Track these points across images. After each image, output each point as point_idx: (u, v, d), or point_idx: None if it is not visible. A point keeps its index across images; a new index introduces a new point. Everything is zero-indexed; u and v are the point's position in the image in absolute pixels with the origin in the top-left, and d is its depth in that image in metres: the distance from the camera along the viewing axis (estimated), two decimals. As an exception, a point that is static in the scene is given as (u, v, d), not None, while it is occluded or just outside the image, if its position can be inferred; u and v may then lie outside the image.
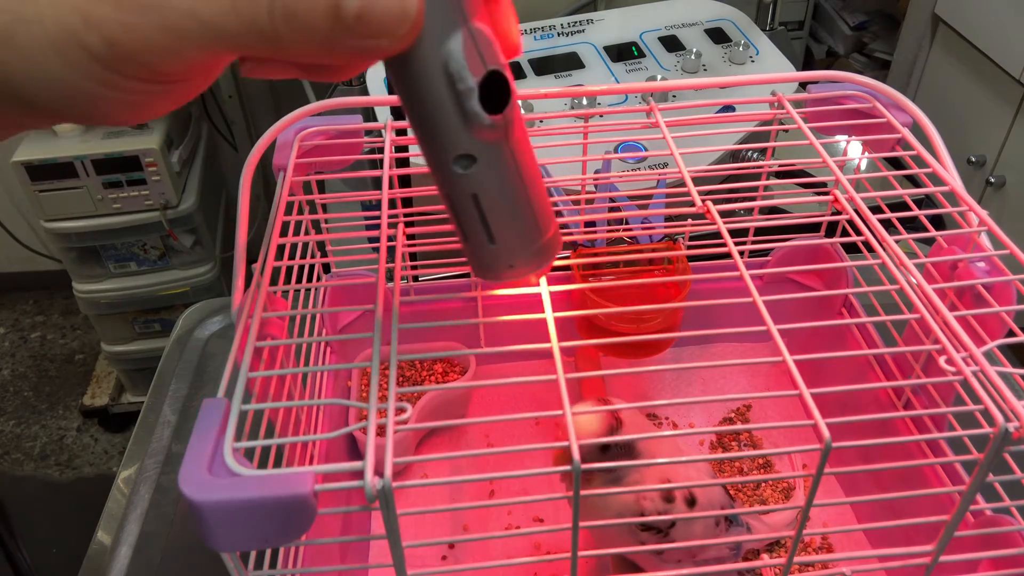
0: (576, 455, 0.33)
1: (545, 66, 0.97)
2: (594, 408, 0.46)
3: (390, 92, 0.72)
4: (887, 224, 0.47)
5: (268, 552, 0.41)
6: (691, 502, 0.49)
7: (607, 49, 1.00)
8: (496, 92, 0.27)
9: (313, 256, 0.53)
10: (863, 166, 0.61)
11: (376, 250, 0.45)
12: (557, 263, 0.65)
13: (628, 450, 0.48)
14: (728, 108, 0.87)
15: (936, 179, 0.49)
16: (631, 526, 0.47)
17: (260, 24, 0.23)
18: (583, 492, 0.35)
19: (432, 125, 0.27)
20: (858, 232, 0.47)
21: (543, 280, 0.42)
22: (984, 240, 0.47)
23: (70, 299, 1.89)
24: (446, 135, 0.28)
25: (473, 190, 0.29)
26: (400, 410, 0.35)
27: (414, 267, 0.65)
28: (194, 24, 0.23)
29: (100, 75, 0.24)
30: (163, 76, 0.25)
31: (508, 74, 0.27)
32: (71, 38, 0.23)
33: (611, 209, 0.61)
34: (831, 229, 0.60)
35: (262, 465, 0.38)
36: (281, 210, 0.48)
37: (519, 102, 0.29)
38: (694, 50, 0.98)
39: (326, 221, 0.56)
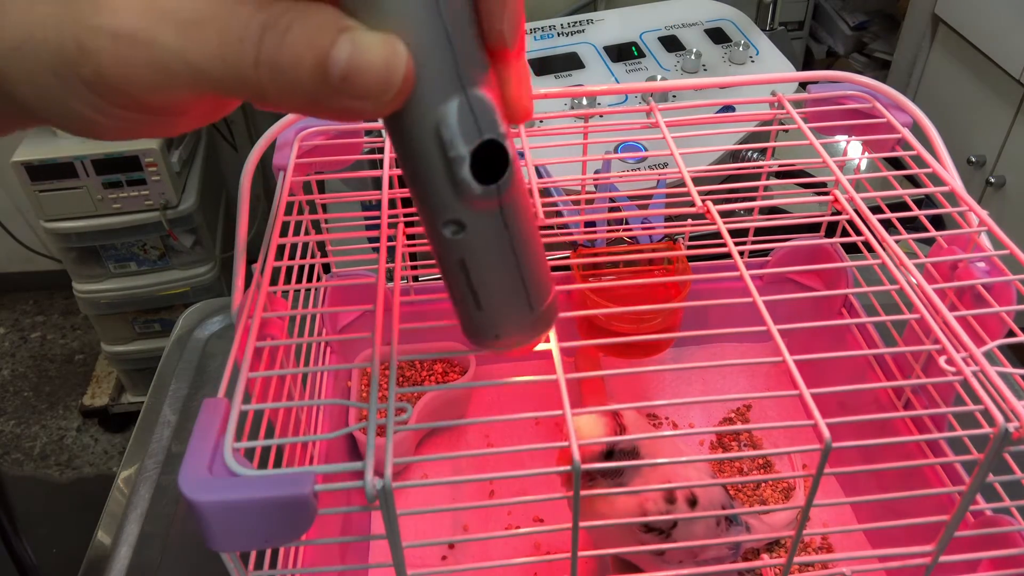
0: (576, 455, 0.33)
1: (545, 66, 0.97)
2: (596, 409, 0.46)
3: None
4: (887, 224, 0.47)
5: (268, 552, 0.41)
6: (692, 502, 0.49)
7: (607, 49, 1.00)
8: (492, 161, 0.26)
9: (313, 256, 0.53)
10: (863, 166, 0.61)
11: (376, 250, 0.45)
12: (557, 263, 0.65)
13: (632, 455, 0.48)
14: (728, 108, 0.87)
15: (936, 179, 0.49)
16: (633, 528, 0.47)
17: (245, 75, 0.23)
18: (583, 492, 0.35)
19: (422, 186, 0.27)
20: (858, 232, 0.47)
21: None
22: (984, 240, 0.47)
23: (70, 299, 1.89)
24: (435, 198, 0.27)
25: (461, 256, 0.28)
26: (400, 410, 0.35)
27: (414, 267, 0.65)
28: (182, 66, 0.23)
29: (93, 102, 0.24)
30: (151, 110, 0.25)
31: (508, 143, 0.26)
32: (67, 64, 0.24)
33: (611, 209, 0.61)
34: (831, 229, 0.60)
35: (262, 465, 0.38)
36: (281, 210, 0.48)
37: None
38: (694, 50, 0.98)
39: (326, 221, 0.56)
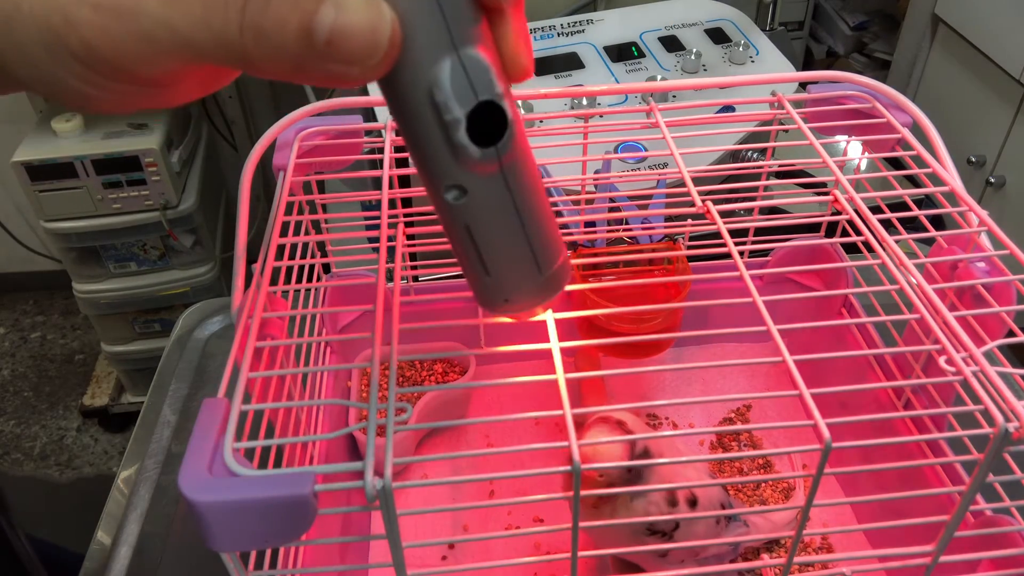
0: (576, 455, 0.33)
1: (545, 66, 0.97)
2: (596, 408, 0.46)
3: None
4: (887, 224, 0.47)
5: (268, 552, 0.41)
6: (692, 502, 0.49)
7: (607, 49, 1.00)
8: (490, 123, 0.25)
9: (313, 256, 0.53)
10: (863, 166, 0.61)
11: (376, 250, 0.45)
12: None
13: (645, 457, 0.48)
14: (728, 108, 0.87)
15: (936, 179, 0.49)
16: (636, 530, 0.48)
17: (230, 40, 0.23)
18: (583, 492, 0.35)
19: (421, 153, 0.26)
20: (858, 232, 0.47)
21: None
22: (984, 240, 0.47)
23: (70, 299, 1.89)
24: (435, 164, 0.26)
25: (466, 221, 0.27)
26: (400, 410, 0.35)
27: (414, 267, 0.65)
28: (167, 34, 0.23)
29: (83, 73, 0.24)
30: (141, 81, 0.25)
31: (507, 103, 0.25)
32: (55, 37, 0.23)
33: (611, 209, 0.61)
34: (831, 229, 0.60)
35: (262, 465, 0.38)
36: (281, 210, 0.48)
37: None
38: (694, 50, 0.98)
39: (326, 221, 0.56)
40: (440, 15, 0.24)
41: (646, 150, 0.84)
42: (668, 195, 0.60)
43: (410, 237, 0.54)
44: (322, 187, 0.64)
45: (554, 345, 0.38)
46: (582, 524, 0.37)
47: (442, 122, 0.25)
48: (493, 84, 0.25)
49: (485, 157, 0.25)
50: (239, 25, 0.23)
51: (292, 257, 0.49)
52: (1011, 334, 0.44)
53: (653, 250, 0.61)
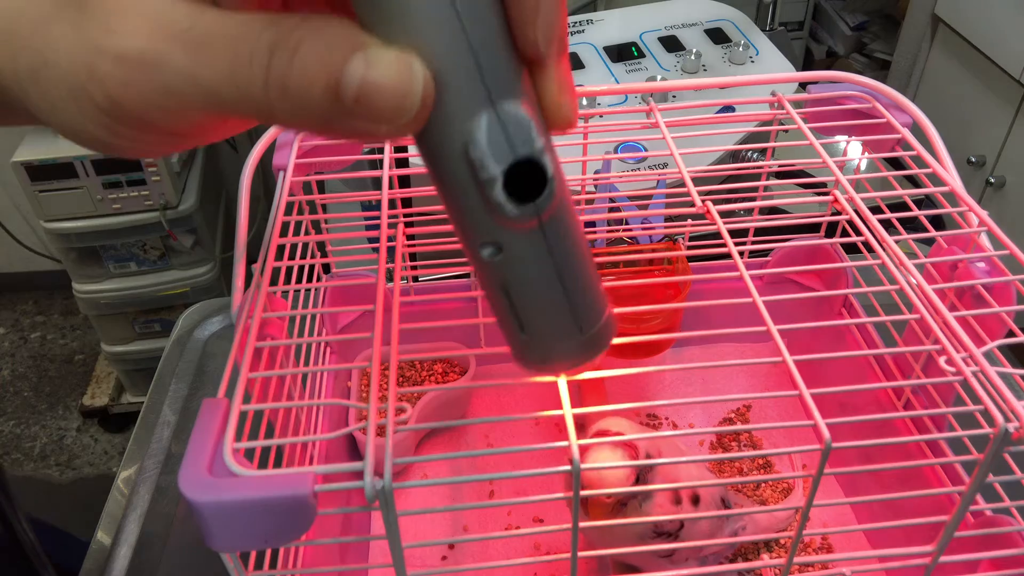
0: (576, 454, 0.33)
1: (545, 66, 0.97)
2: (622, 463, 0.45)
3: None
4: (887, 224, 0.47)
5: (268, 552, 0.41)
6: (696, 500, 0.49)
7: (607, 49, 1.00)
8: (529, 178, 0.24)
9: (313, 256, 0.53)
10: (863, 166, 0.61)
11: (376, 250, 0.45)
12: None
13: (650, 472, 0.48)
14: (728, 108, 0.87)
15: (936, 179, 0.49)
16: (642, 534, 0.48)
17: (255, 96, 0.22)
18: (583, 493, 0.35)
19: (455, 208, 0.25)
20: (858, 232, 0.47)
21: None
22: (984, 240, 0.47)
23: (70, 299, 1.89)
24: (470, 220, 0.24)
25: (502, 279, 0.26)
26: (400, 410, 0.35)
27: (414, 267, 0.65)
28: (191, 87, 0.22)
29: (109, 125, 0.24)
30: (166, 132, 0.24)
31: (548, 157, 0.24)
32: (81, 90, 0.23)
33: (611, 209, 0.61)
34: (831, 229, 0.60)
35: (262, 465, 0.38)
36: (281, 210, 0.48)
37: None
38: (694, 50, 0.98)
39: (326, 221, 0.56)
40: (476, 70, 0.22)
41: (646, 150, 0.84)
42: (668, 195, 0.60)
43: (410, 237, 0.54)
44: (322, 187, 0.64)
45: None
46: (584, 525, 0.37)
47: (477, 180, 0.23)
48: (532, 140, 0.23)
49: (523, 214, 0.24)
50: (264, 81, 0.22)
51: (292, 257, 0.49)
52: (1011, 334, 0.44)
53: (653, 250, 0.61)
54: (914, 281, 0.43)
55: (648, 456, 0.47)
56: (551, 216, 0.25)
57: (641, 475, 0.47)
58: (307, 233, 0.53)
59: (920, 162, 0.50)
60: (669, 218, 0.61)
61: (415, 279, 0.66)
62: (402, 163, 0.65)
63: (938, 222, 0.53)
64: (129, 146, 0.25)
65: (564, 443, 0.34)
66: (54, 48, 0.23)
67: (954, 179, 0.48)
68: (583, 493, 0.36)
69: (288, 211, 0.49)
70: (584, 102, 0.88)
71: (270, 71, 0.22)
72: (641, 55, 1.00)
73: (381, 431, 0.33)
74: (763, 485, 0.63)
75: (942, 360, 0.39)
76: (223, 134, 0.27)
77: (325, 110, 0.22)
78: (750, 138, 0.88)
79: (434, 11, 0.21)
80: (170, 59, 0.22)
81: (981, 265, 0.48)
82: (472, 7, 0.22)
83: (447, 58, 0.22)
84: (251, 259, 0.45)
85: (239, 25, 0.22)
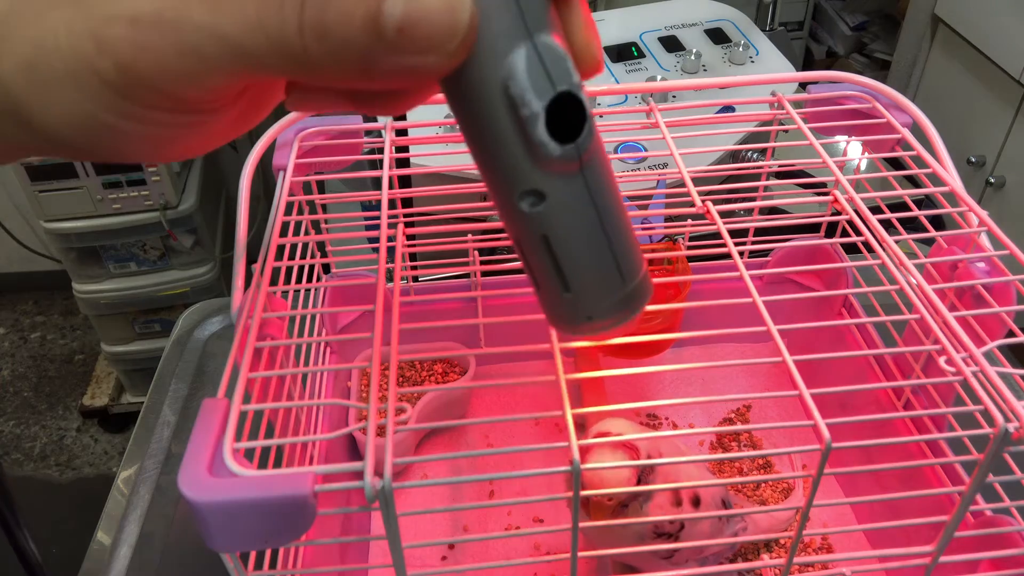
0: (575, 454, 0.33)
1: (545, 66, 0.97)
2: (623, 463, 0.45)
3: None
4: (887, 224, 0.47)
5: (268, 552, 0.41)
6: (696, 501, 0.49)
7: (607, 49, 1.00)
8: (568, 117, 0.23)
9: (313, 256, 0.53)
10: (863, 166, 0.61)
11: (376, 250, 0.45)
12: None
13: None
14: (728, 108, 0.87)
15: (936, 179, 0.49)
16: (642, 535, 0.48)
17: (288, 42, 0.21)
18: (583, 493, 0.35)
19: (493, 156, 0.24)
20: (858, 232, 0.47)
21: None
22: (984, 240, 0.47)
23: (70, 299, 1.89)
24: (510, 168, 0.24)
25: (543, 231, 0.25)
26: (400, 410, 0.35)
27: (414, 267, 0.65)
28: (215, 44, 0.21)
29: (117, 104, 0.22)
30: (185, 105, 0.23)
31: (584, 95, 0.23)
32: (86, 66, 0.22)
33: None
34: (831, 229, 0.60)
35: (262, 465, 0.38)
36: (281, 210, 0.48)
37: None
38: (694, 50, 0.98)
39: (326, 221, 0.56)
40: (515, 1, 0.22)
41: (646, 150, 0.84)
42: (668, 195, 0.60)
43: (410, 237, 0.54)
44: (322, 187, 0.64)
45: (554, 345, 0.38)
46: (584, 525, 0.37)
47: (518, 118, 0.22)
48: (571, 73, 0.23)
49: (565, 155, 0.23)
50: (298, 24, 0.20)
51: (292, 257, 0.49)
52: (1011, 334, 0.44)
53: (653, 250, 0.61)
54: (914, 281, 0.43)
55: (648, 457, 0.47)
56: (590, 159, 0.24)
57: (642, 476, 0.47)
58: (307, 233, 0.53)
59: (920, 162, 0.50)
60: (669, 218, 0.61)
61: (415, 279, 0.66)
62: (402, 163, 0.65)
63: (938, 222, 0.53)
64: (137, 131, 0.23)
65: (564, 444, 0.34)
66: (53, 33, 0.22)
67: (954, 179, 0.48)
68: (583, 493, 0.36)
69: (288, 211, 0.49)
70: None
71: (304, 13, 0.20)
72: (641, 55, 1.00)
73: (381, 431, 0.33)
74: (763, 485, 0.63)
75: (942, 360, 0.39)
76: (238, 118, 0.26)
77: (366, 47, 0.20)
78: (750, 138, 0.88)
79: None
80: (189, 15, 0.21)
81: (981, 265, 0.48)
82: None
83: None
84: (251, 259, 0.45)
85: None
